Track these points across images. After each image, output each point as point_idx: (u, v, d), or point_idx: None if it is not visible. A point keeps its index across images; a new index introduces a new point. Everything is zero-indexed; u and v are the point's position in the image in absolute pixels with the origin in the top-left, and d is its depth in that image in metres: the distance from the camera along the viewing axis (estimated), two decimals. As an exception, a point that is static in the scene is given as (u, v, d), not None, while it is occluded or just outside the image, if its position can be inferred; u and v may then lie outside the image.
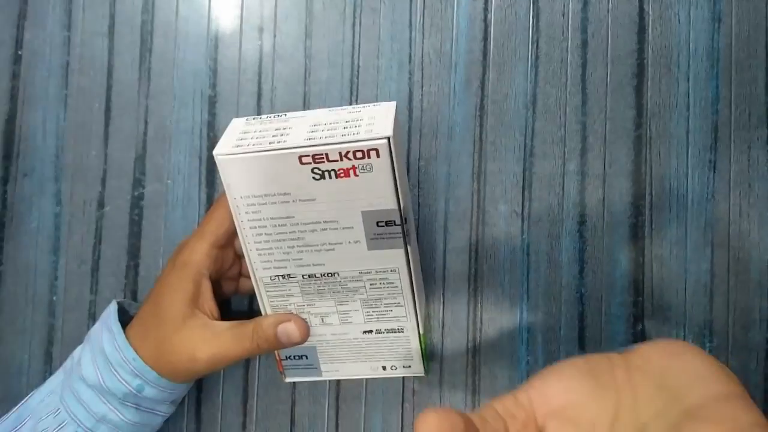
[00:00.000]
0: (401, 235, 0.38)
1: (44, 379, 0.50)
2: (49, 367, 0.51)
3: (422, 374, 0.44)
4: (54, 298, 0.51)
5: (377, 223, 0.38)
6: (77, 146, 0.51)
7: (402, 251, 0.39)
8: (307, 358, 0.44)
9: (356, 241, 0.39)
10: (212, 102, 0.50)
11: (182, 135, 0.51)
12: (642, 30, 0.46)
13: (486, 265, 0.47)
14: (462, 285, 0.47)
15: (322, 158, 0.35)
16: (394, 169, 0.36)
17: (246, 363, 0.49)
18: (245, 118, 0.40)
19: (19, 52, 0.52)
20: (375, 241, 0.38)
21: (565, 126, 0.47)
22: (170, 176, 0.50)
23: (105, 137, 0.51)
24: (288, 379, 0.46)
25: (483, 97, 0.47)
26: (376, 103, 0.39)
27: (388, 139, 0.35)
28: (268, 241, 0.39)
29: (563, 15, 0.47)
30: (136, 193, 0.51)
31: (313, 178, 0.36)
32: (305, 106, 0.49)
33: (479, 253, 0.47)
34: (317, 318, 0.42)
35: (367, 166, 0.36)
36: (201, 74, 0.51)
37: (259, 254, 0.40)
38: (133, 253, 0.51)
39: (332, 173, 0.36)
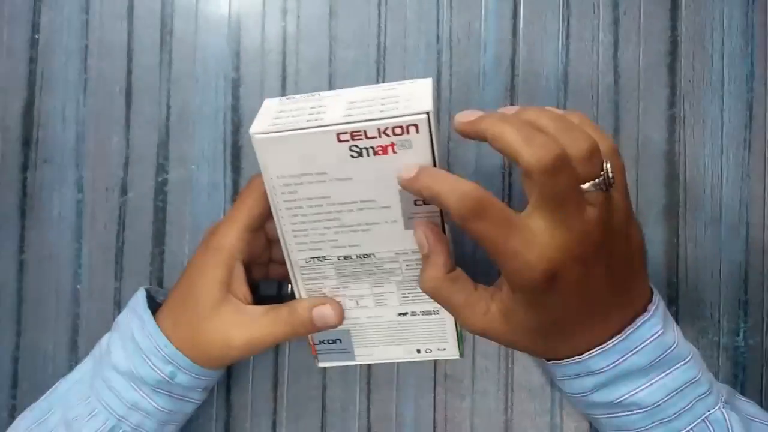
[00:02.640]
0: (439, 213, 0.38)
1: (70, 368, 0.49)
2: (74, 356, 0.51)
3: (457, 356, 0.44)
4: (78, 286, 0.50)
5: (415, 201, 0.37)
6: (98, 132, 0.50)
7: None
8: (341, 342, 0.44)
9: (393, 221, 0.38)
10: (236, 85, 0.50)
11: (206, 119, 0.50)
12: (675, 7, 0.45)
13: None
14: (493, 268, 0.47)
15: (361, 135, 0.35)
16: (432, 145, 0.35)
17: (276, 349, 0.49)
18: (278, 98, 0.39)
19: (36, 36, 0.51)
20: (413, 220, 0.38)
21: (597, 106, 0.46)
22: (194, 162, 0.50)
23: (126, 122, 0.50)
24: (321, 364, 0.45)
25: (513, 77, 0.47)
26: (411, 80, 0.38)
27: (428, 113, 0.34)
28: (304, 222, 0.38)
29: (594, -8, 0.46)
30: (159, 179, 0.50)
31: (351, 156, 0.36)
32: (331, 87, 0.49)
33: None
34: (352, 301, 0.42)
35: (406, 143, 0.35)
36: (224, 57, 0.50)
37: (295, 236, 0.39)
38: (158, 240, 0.50)
39: (370, 150, 0.35)
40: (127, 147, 0.50)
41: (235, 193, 0.49)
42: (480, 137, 0.34)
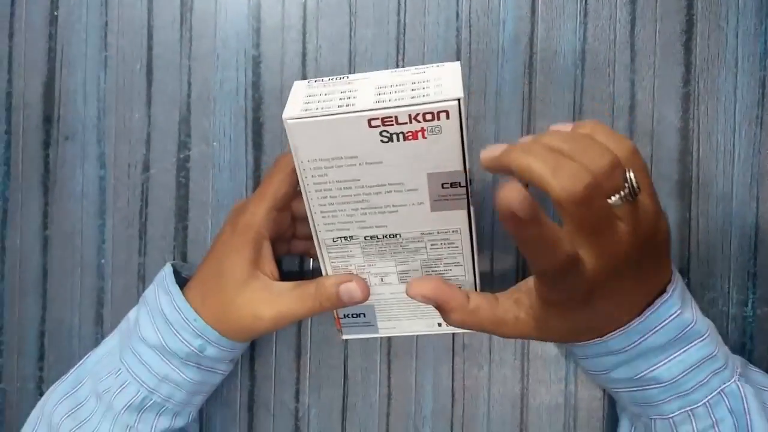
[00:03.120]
0: (465, 196, 0.39)
1: (96, 342, 0.50)
2: (100, 329, 0.52)
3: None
4: (102, 261, 0.51)
5: (442, 185, 0.38)
6: (119, 108, 0.51)
7: (465, 212, 0.39)
8: (365, 316, 0.45)
9: (420, 203, 0.39)
10: (256, 62, 0.50)
11: (227, 96, 0.50)
12: (691, -15, 0.46)
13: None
14: (510, 244, 0.48)
15: (392, 121, 0.36)
16: (462, 131, 0.36)
17: (299, 321, 0.50)
18: (307, 80, 0.40)
19: (55, 13, 0.51)
20: (439, 202, 0.39)
21: (613, 83, 0.47)
22: (216, 138, 0.50)
23: (148, 99, 0.51)
24: (345, 336, 0.47)
25: (532, 55, 0.48)
26: (439, 64, 0.39)
27: (459, 100, 0.35)
28: (333, 204, 0.40)
29: (612, -30, 0.47)
30: (181, 156, 0.51)
31: (381, 141, 0.36)
32: (350, 64, 0.49)
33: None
34: (377, 278, 0.43)
35: (436, 129, 0.36)
36: (244, 34, 0.50)
37: (323, 216, 0.40)
38: (181, 216, 0.51)
39: (401, 136, 0.36)
40: (149, 124, 0.51)
41: (257, 169, 0.50)
42: (507, 171, 0.34)
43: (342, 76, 0.40)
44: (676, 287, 0.39)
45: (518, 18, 0.48)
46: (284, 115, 0.37)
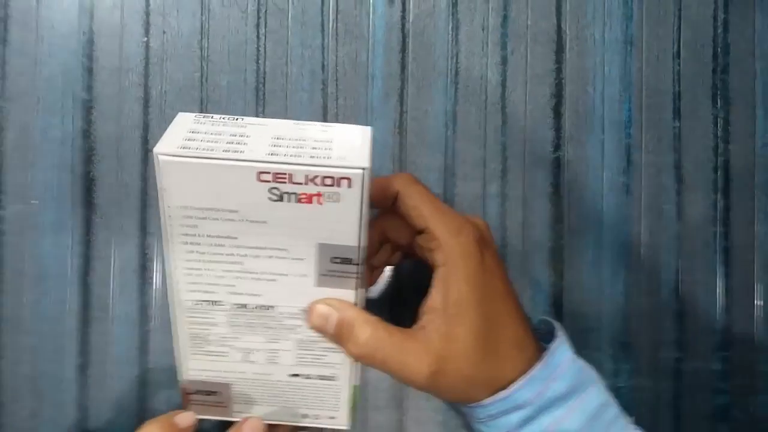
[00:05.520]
0: (356, 276, 0.34)
1: None
2: None
3: (345, 427, 0.40)
4: None
5: (332, 258, 0.34)
6: None
7: (353, 293, 0.35)
8: (218, 394, 0.39)
9: (303, 275, 0.34)
10: (87, 107, 0.43)
11: (50, 145, 0.43)
12: (560, 50, 0.45)
13: (408, 292, 0.45)
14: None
15: (285, 179, 0.31)
16: (362, 204, 0.32)
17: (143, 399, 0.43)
18: (194, 114, 0.34)
19: None
20: (326, 278, 0.34)
21: (485, 146, 0.45)
22: (36, 196, 0.42)
23: (-53, 146, 0.42)
24: (196, 416, 0.40)
25: (402, 113, 0.44)
26: (348, 126, 0.35)
27: (364, 170, 0.31)
28: (200, 261, 0.34)
29: (483, 29, 0.45)
30: (-9, 216, 0.42)
31: (270, 198, 0.31)
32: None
33: (400, 278, 0.45)
34: (239, 353, 0.37)
35: (334, 196, 0.31)
36: (73, 74, 0.43)
37: (187, 274, 0.34)
38: (-10, 288, 0.42)
39: (293, 197, 0.31)
40: (-52, 176, 0.42)
41: (87, 233, 0.43)
42: None
43: (235, 117, 0.34)
44: (563, 332, 0.38)
45: (388, 74, 0.44)
46: (156, 149, 0.31)
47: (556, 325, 0.39)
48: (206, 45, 0.44)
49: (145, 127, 0.43)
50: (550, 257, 0.45)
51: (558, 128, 0.45)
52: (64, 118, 0.43)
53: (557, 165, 0.45)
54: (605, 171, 0.46)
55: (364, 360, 0.36)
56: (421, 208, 0.36)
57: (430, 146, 0.45)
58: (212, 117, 0.34)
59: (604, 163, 0.46)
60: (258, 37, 0.44)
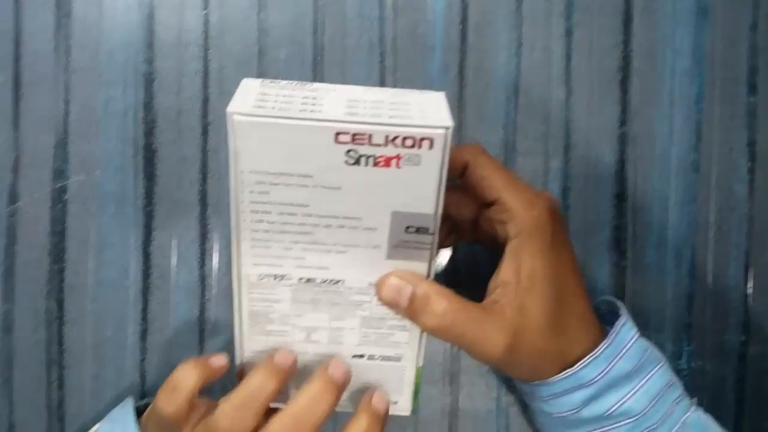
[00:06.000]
0: (430, 247, 0.33)
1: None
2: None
3: (408, 413, 0.39)
4: (-43, 308, 0.43)
5: (407, 228, 0.32)
6: (-21, 128, 0.43)
7: (426, 265, 0.34)
8: None
9: (376, 246, 0.33)
10: (149, 80, 0.43)
11: (112, 118, 0.43)
12: (628, 21, 0.43)
13: (465, 272, 0.44)
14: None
15: (364, 139, 0.30)
16: (443, 168, 0.31)
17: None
18: (259, 79, 0.33)
19: None
20: (398, 249, 0.33)
21: (548, 121, 0.44)
22: (99, 166, 0.43)
23: (14, 118, 0.43)
24: None
25: (462, 86, 0.43)
26: (420, 90, 0.34)
27: (447, 129, 0.30)
28: (268, 231, 0.33)
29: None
30: (57, 186, 0.43)
31: (346, 162, 0.30)
32: (260, 88, 0.43)
33: (457, 257, 0.44)
34: (302, 333, 0.36)
35: (415, 158, 0.30)
36: (134, 47, 0.43)
37: (253, 245, 0.33)
38: (57, 256, 0.43)
39: (370, 160, 0.30)
40: (16, 147, 0.43)
41: (148, 204, 0.43)
42: None
43: (302, 82, 0.33)
44: (626, 311, 0.37)
45: (447, 46, 0.43)
46: (229, 109, 0.30)
47: (619, 304, 0.38)
48: (265, 17, 0.43)
49: (205, 100, 0.43)
50: (612, 236, 0.44)
51: (624, 102, 0.44)
52: (125, 91, 0.43)
53: (623, 140, 0.44)
54: (673, 147, 0.44)
55: (439, 333, 0.35)
56: (492, 178, 0.35)
57: (490, 120, 0.43)
58: (279, 81, 0.34)
59: (672, 140, 0.44)
60: (315, 9, 0.43)
